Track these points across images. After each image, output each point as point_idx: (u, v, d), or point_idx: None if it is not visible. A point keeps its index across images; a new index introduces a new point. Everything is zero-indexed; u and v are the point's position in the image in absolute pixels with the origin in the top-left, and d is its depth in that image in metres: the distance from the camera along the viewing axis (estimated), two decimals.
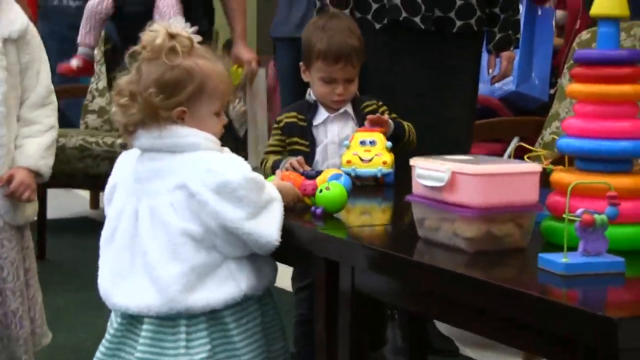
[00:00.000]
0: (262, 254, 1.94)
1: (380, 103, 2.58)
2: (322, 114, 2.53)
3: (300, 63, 2.60)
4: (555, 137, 3.20)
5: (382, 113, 2.54)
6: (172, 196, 1.91)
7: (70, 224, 5.48)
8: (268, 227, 1.90)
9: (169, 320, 1.91)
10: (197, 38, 1.99)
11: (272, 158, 2.49)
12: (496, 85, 3.60)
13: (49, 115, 2.66)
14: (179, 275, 1.88)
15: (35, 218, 2.85)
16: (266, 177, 2.10)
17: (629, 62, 1.72)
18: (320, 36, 2.51)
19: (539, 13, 4.40)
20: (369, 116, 2.46)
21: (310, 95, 2.57)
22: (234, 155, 1.96)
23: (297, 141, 2.52)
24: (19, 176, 2.57)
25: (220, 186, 1.87)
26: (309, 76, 2.57)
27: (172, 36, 1.94)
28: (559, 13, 4.75)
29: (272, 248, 1.91)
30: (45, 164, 2.64)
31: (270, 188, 1.96)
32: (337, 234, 1.91)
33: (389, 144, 2.44)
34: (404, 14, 2.86)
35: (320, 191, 2.01)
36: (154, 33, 1.95)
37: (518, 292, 1.44)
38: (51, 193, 4.78)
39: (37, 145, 2.62)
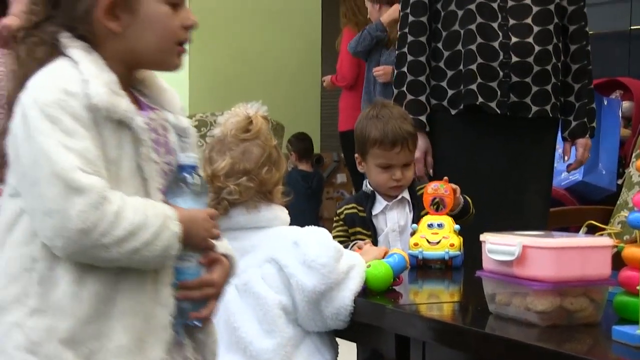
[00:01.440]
0: (339, 323, 1.96)
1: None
2: (380, 203, 2.57)
3: (356, 155, 2.65)
4: (623, 228, 3.19)
5: None
6: (263, 270, 1.99)
7: None
8: (346, 294, 1.94)
9: None
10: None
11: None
12: (562, 175, 3.60)
13: None
14: (277, 347, 1.95)
15: None
16: None
17: None
18: (375, 124, 2.56)
19: (605, 104, 4.41)
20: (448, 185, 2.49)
21: (367, 186, 2.61)
22: (315, 227, 2.03)
23: (360, 231, 2.56)
24: None
25: (307, 258, 1.94)
26: (364, 167, 2.62)
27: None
28: (625, 104, 4.75)
29: (347, 314, 1.94)
30: None
31: (350, 255, 2.01)
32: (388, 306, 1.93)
33: (457, 227, 2.45)
34: (480, 99, 2.91)
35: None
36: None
37: None
38: None
39: None
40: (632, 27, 6.36)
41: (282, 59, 7.35)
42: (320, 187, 6.79)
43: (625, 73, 5.41)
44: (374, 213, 2.58)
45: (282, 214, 2.05)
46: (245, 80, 7.18)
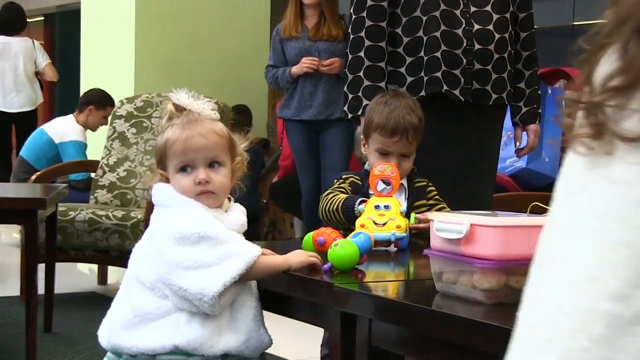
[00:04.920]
0: (204, 305, 1.93)
1: (430, 184, 2.65)
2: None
3: (361, 136, 2.67)
4: None
5: (430, 192, 2.62)
6: (146, 243, 2.05)
7: (77, 299, 5.47)
8: (205, 282, 1.92)
9: (118, 356, 2.03)
10: (199, 108, 2.09)
11: (343, 195, 2.54)
12: (507, 162, 3.64)
13: None
14: (122, 313, 2.01)
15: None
16: (327, 207, 2.44)
17: None
18: (381, 110, 2.58)
19: (549, 92, 4.48)
20: (417, 216, 2.48)
21: (368, 166, 2.62)
22: (203, 213, 2.01)
23: (363, 198, 2.54)
24: None
25: (174, 237, 1.96)
26: (367, 149, 2.63)
27: (175, 106, 2.09)
28: (569, 93, 4.82)
29: (210, 298, 1.92)
30: None
31: (238, 246, 1.99)
32: (352, 288, 1.92)
33: (404, 208, 2.46)
34: (445, 87, 2.91)
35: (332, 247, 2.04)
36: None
37: None
38: (60, 269, 4.78)
39: None
40: (574, 23, 6.46)
41: (230, 42, 7.32)
42: (256, 162, 6.66)
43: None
44: (370, 193, 2.58)
45: (174, 199, 2.05)
46: (192, 63, 7.13)
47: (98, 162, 5.45)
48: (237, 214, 2.09)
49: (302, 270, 2.02)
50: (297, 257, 2.03)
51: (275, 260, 2.03)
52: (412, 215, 2.47)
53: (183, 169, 2.04)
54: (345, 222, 2.49)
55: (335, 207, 2.50)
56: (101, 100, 6.50)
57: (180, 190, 2.04)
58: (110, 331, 2.02)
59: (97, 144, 6.11)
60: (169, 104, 2.09)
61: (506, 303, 1.69)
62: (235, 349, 2.00)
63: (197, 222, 1.97)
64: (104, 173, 5.35)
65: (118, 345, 1.99)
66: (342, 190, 2.59)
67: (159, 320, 1.97)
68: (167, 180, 2.08)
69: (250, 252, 1.97)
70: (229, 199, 2.12)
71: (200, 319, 1.95)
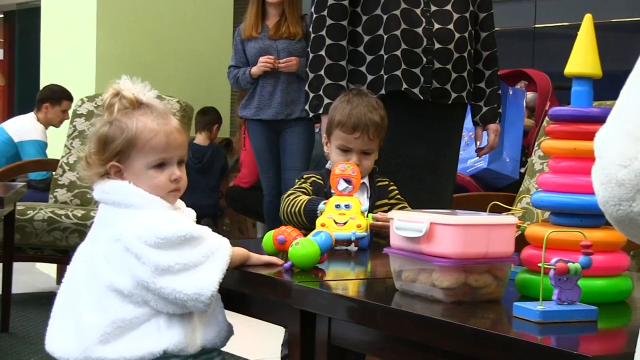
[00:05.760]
0: (199, 305, 1.90)
1: (391, 183, 2.64)
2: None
3: (324, 135, 2.66)
4: (526, 211, 3.26)
5: (392, 191, 2.62)
6: (108, 247, 1.93)
7: (35, 298, 5.41)
8: (200, 282, 1.89)
9: None
10: (150, 98, 2.03)
11: (305, 197, 2.52)
12: (468, 162, 3.66)
13: None
14: (98, 326, 1.90)
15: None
16: (289, 209, 2.42)
17: (602, 119, 1.77)
18: (344, 107, 2.58)
19: (510, 93, 4.51)
20: (375, 215, 2.47)
21: (330, 165, 2.61)
22: (174, 213, 1.98)
23: (323, 199, 2.53)
24: None
25: (155, 241, 1.88)
26: (329, 147, 2.62)
27: (117, 95, 2.01)
28: (530, 95, 4.86)
29: (208, 297, 1.90)
30: None
31: (213, 242, 1.95)
32: (312, 286, 1.91)
33: (364, 207, 2.47)
34: (404, 85, 2.92)
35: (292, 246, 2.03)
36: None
37: (495, 336, 1.47)
38: (18, 268, 4.73)
39: None
40: (536, 25, 6.50)
41: (193, 41, 7.28)
42: (216, 162, 6.65)
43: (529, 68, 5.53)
44: (332, 192, 2.57)
45: (142, 200, 1.96)
46: (155, 62, 7.09)
47: (58, 161, 5.40)
48: (189, 210, 2.09)
49: (261, 268, 2.02)
50: (257, 255, 2.05)
51: (238, 252, 2.02)
52: (370, 215, 2.47)
53: (160, 165, 1.98)
54: (308, 224, 2.48)
55: (297, 209, 2.49)
56: (55, 96, 6.43)
57: (152, 187, 1.96)
58: (83, 346, 1.90)
59: (57, 143, 6.05)
60: (120, 92, 2.01)
61: (465, 301, 1.70)
62: (210, 342, 2.00)
63: (176, 224, 1.91)
64: (64, 172, 5.30)
65: (101, 359, 1.89)
66: (304, 190, 2.58)
67: (140, 328, 1.90)
68: (120, 174, 1.99)
69: (227, 244, 1.97)
70: None
71: (179, 320, 1.93)
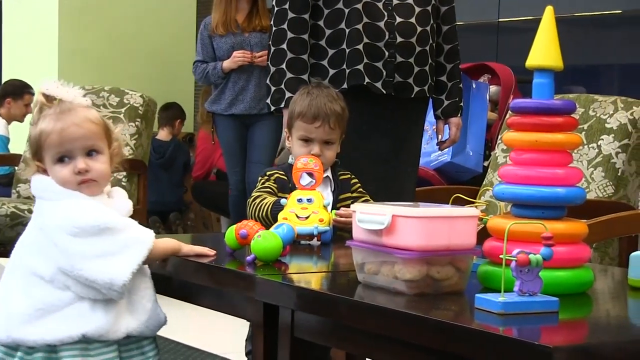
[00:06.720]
0: (112, 293, 1.96)
1: (353, 176, 2.64)
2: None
3: (285, 129, 2.65)
4: (489, 204, 3.27)
5: (354, 184, 2.61)
6: (33, 236, 2.03)
7: None
8: (113, 271, 1.95)
9: (12, 350, 1.99)
10: (73, 96, 2.06)
11: (271, 198, 2.51)
12: (432, 156, 3.67)
13: None
14: (21, 309, 1.98)
15: None
16: (257, 214, 2.43)
17: (563, 111, 1.79)
18: (303, 99, 2.58)
19: (474, 87, 4.53)
20: (337, 212, 2.46)
21: (292, 159, 2.60)
22: (95, 204, 2.02)
23: (286, 197, 2.51)
24: None
25: (72, 230, 1.96)
26: (291, 141, 2.61)
27: (45, 96, 2.07)
28: (493, 88, 4.89)
29: (120, 286, 1.95)
30: None
31: (133, 234, 2.01)
32: (275, 279, 1.91)
33: (327, 201, 2.46)
34: (366, 79, 2.91)
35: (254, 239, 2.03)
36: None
37: (458, 327, 1.47)
38: None
39: None
40: (500, 19, 6.53)
41: (155, 36, 7.25)
42: (178, 157, 6.64)
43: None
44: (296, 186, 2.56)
45: (56, 192, 2.03)
46: (117, 56, 7.05)
47: (20, 155, 5.34)
48: (122, 200, 2.12)
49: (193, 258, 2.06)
50: (189, 245, 2.11)
51: (167, 243, 2.09)
52: (333, 212, 2.46)
53: (60, 159, 2.03)
54: None
55: (264, 213, 2.47)
56: (16, 91, 6.38)
57: (59, 181, 2.02)
58: (8, 327, 1.98)
59: (19, 138, 5.99)
60: (38, 94, 2.08)
61: (427, 293, 1.71)
62: (136, 330, 2.03)
63: (93, 214, 1.98)
64: (27, 167, 5.25)
65: (21, 340, 1.97)
66: (269, 190, 2.56)
67: (62, 311, 1.97)
68: (45, 172, 2.06)
69: (149, 237, 2.02)
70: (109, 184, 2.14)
71: (102, 306, 1.98)
